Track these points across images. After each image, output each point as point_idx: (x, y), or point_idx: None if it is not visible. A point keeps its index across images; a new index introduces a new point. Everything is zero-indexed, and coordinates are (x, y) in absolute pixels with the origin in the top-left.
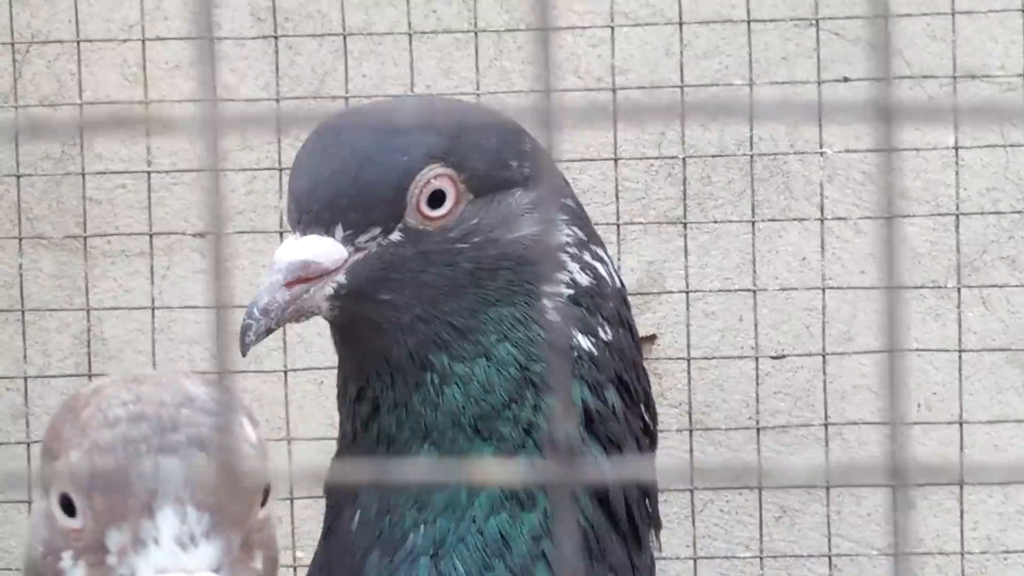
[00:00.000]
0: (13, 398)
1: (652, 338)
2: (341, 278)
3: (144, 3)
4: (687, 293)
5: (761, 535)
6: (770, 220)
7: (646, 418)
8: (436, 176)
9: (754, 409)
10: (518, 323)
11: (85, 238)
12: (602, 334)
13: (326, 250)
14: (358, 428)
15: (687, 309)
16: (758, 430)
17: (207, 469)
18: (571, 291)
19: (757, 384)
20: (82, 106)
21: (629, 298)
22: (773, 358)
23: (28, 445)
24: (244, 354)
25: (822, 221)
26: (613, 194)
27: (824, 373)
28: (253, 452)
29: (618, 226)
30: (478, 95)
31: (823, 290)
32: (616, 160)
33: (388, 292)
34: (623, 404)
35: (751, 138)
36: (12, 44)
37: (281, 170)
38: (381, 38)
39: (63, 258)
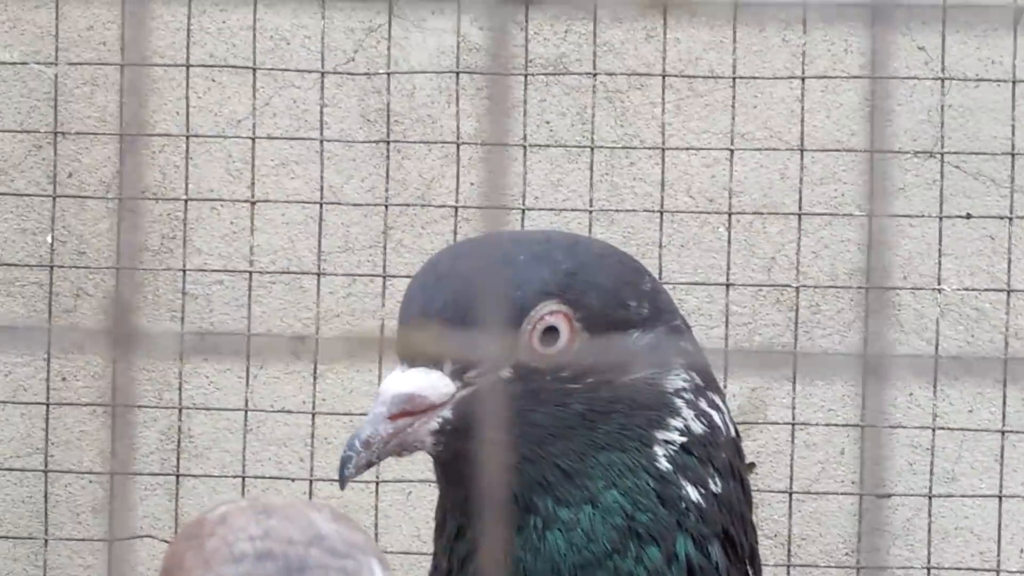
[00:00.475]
0: (95, 491)
1: (751, 466)
2: (447, 413)
3: (255, 100)
4: (792, 425)
5: None
6: (879, 354)
7: (750, 575)
8: (551, 313)
9: (852, 546)
10: (627, 470)
11: (182, 335)
12: (712, 486)
13: (433, 384)
14: (454, 566)
15: (791, 439)
16: (857, 569)
17: None
18: (684, 439)
19: (858, 520)
20: (187, 201)
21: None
22: (878, 496)
23: (107, 544)
24: (343, 487)
25: (936, 359)
26: (719, 317)
27: (928, 513)
28: None
29: (726, 352)
30: (590, 211)
31: (932, 429)
32: (728, 286)
33: (495, 430)
34: (727, 560)
35: (867, 268)
36: (120, 136)
37: (385, 277)
38: (491, 148)
39: (155, 352)
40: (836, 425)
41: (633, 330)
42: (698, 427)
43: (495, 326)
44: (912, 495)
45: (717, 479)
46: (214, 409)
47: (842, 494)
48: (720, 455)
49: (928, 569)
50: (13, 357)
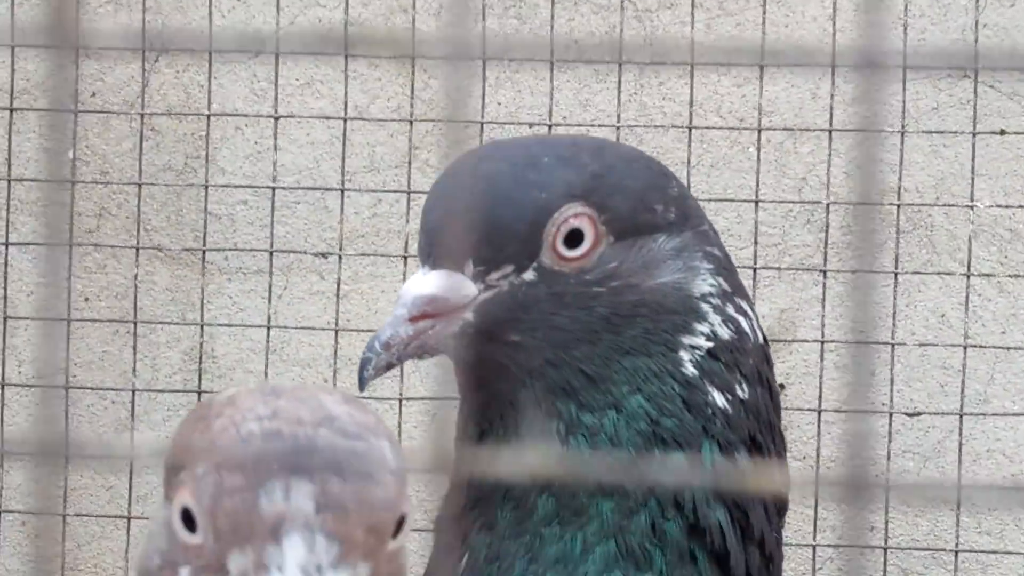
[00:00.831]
0: (118, 411)
1: (781, 387)
2: (469, 316)
3: (280, 18)
4: (821, 343)
5: None
6: (912, 273)
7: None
8: (575, 215)
9: (883, 467)
10: (652, 375)
11: (204, 251)
12: (739, 391)
13: (454, 286)
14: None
15: (820, 360)
16: (887, 489)
17: (341, 495)
18: (711, 344)
19: (888, 441)
20: (209, 117)
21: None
22: (908, 415)
23: (131, 464)
24: (362, 388)
25: (967, 276)
26: (749, 238)
27: (959, 434)
28: (391, 479)
29: (755, 270)
30: (617, 127)
31: (964, 348)
32: (757, 202)
33: (518, 333)
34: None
35: (899, 188)
36: (143, 51)
37: (409, 193)
38: (519, 65)
39: (179, 272)
40: (867, 342)
41: (659, 234)
42: (725, 332)
43: (518, 228)
44: (943, 414)
45: (744, 385)
46: (237, 326)
47: (873, 413)
48: (747, 361)
49: (959, 490)
50: (35, 277)
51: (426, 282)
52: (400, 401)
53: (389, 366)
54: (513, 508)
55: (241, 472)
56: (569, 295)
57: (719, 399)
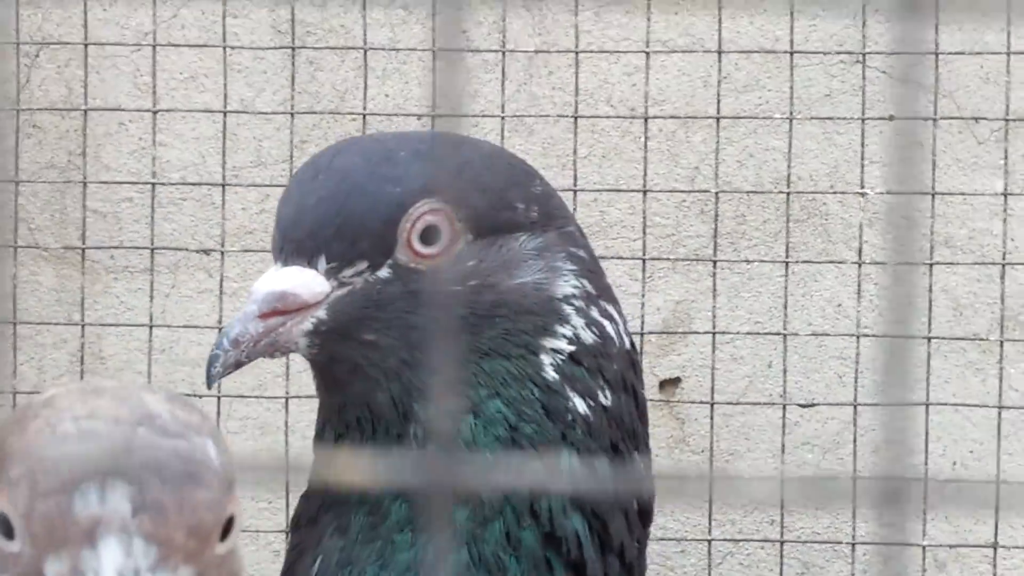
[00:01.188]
0: (2, 414)
1: (676, 381)
2: (322, 313)
3: (158, 10)
4: (714, 335)
5: None
6: (805, 262)
7: (641, 496)
8: (431, 211)
9: (780, 460)
10: (512, 379)
11: (83, 250)
12: (601, 398)
13: (306, 282)
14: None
15: (713, 352)
16: (782, 482)
17: (159, 497)
18: (572, 348)
19: (784, 433)
20: (86, 112)
21: (653, 338)
22: (802, 406)
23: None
24: (209, 386)
25: (859, 265)
26: (641, 228)
27: (855, 424)
28: (215, 480)
29: (644, 262)
30: (502, 118)
31: (857, 337)
32: (645, 192)
33: (372, 332)
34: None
35: (788, 176)
36: (17, 45)
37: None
38: (406, 56)
39: (64, 271)
40: (762, 335)
41: (521, 233)
42: (588, 336)
43: (372, 223)
44: (839, 404)
45: (607, 391)
46: (123, 325)
47: (768, 405)
48: (611, 367)
49: (855, 480)
50: None
51: (277, 278)
52: (287, 400)
53: (238, 364)
54: (367, 513)
55: (55, 474)
56: (425, 293)
57: (580, 405)
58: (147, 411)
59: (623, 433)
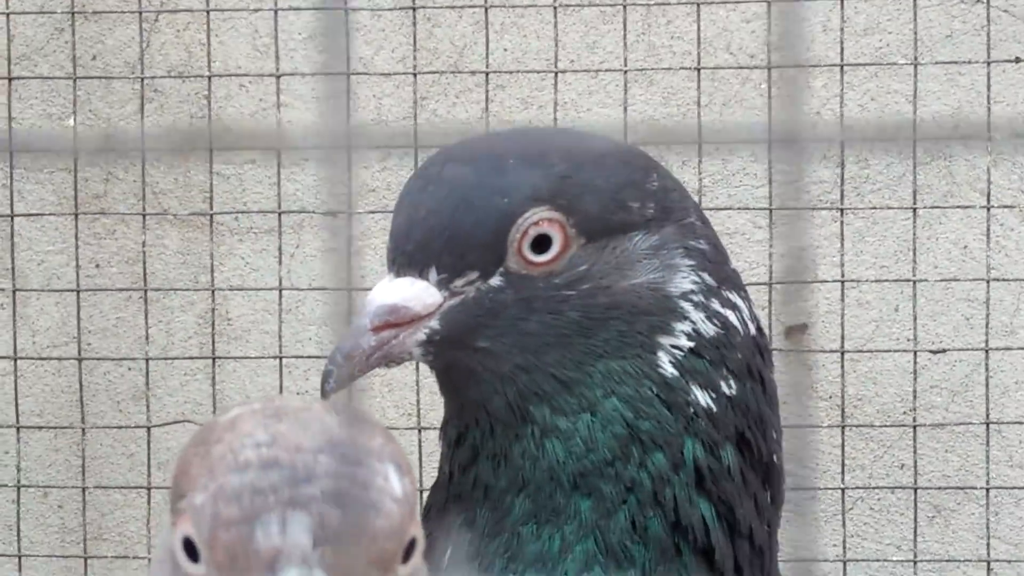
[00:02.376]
0: (135, 379)
1: (804, 327)
2: (435, 323)
3: None
4: (842, 282)
5: (915, 536)
6: (931, 207)
7: (772, 479)
8: (541, 220)
9: (910, 404)
10: (628, 377)
11: (212, 215)
12: (725, 388)
13: (417, 294)
14: (455, 471)
15: (841, 298)
16: (914, 427)
17: (340, 527)
18: (693, 343)
19: (914, 378)
20: (210, 78)
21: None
22: (932, 352)
23: (148, 429)
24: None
25: (988, 208)
26: (765, 176)
27: (986, 368)
28: (395, 507)
29: (770, 211)
30: (625, 71)
31: (987, 281)
32: (769, 142)
33: (486, 340)
34: (741, 462)
35: (914, 120)
36: (140, 13)
37: (417, 148)
38: (524, 10)
39: (189, 235)
40: (888, 281)
41: (635, 232)
42: (710, 329)
43: (481, 234)
44: (969, 349)
45: (732, 381)
46: (250, 289)
47: (897, 351)
48: (735, 356)
49: (987, 425)
50: (45, 246)
51: (389, 290)
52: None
53: (352, 378)
54: (491, 508)
55: (237, 505)
56: (538, 300)
57: (702, 398)
58: (328, 438)
59: (749, 420)
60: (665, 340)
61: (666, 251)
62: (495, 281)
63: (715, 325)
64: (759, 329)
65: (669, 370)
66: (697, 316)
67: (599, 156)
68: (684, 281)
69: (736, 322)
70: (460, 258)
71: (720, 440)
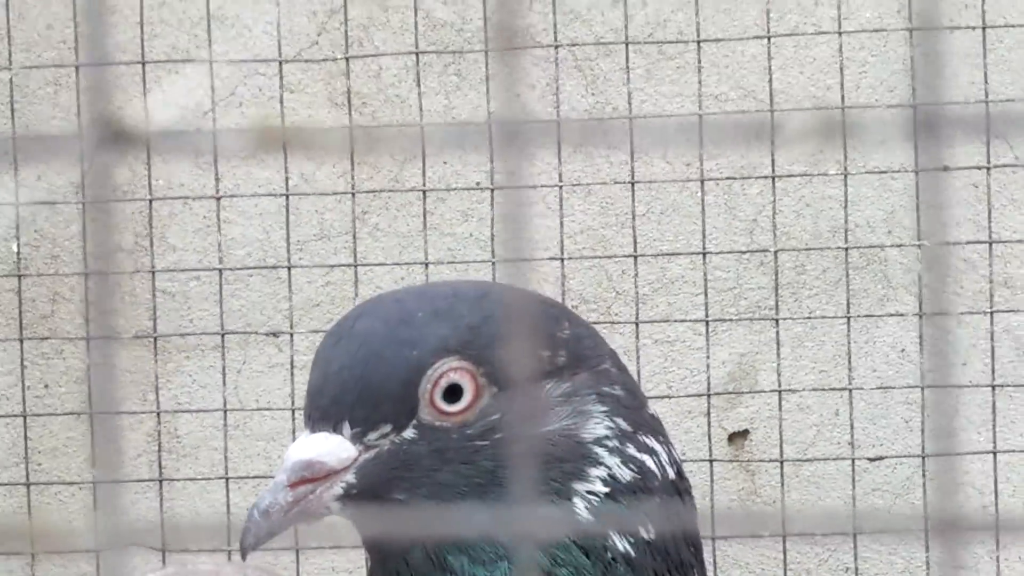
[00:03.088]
0: (86, 498)
1: (744, 434)
2: (350, 478)
3: (215, 88)
4: (779, 392)
5: None
6: (866, 316)
7: None
8: (451, 370)
9: (851, 507)
10: (544, 525)
11: (155, 338)
12: (643, 533)
13: (332, 449)
14: None
15: (779, 405)
16: (854, 536)
17: None
18: (608, 488)
19: (854, 484)
20: (151, 202)
21: (720, 392)
22: (871, 460)
23: (96, 554)
24: (244, 558)
25: (920, 316)
26: (703, 285)
27: (923, 471)
28: None
29: (707, 322)
30: (560, 186)
31: (922, 389)
32: (704, 253)
33: (402, 492)
34: None
35: (846, 227)
36: (80, 136)
37: (356, 266)
38: (462, 124)
39: (136, 353)
40: (827, 389)
41: (547, 380)
42: (626, 474)
43: (391, 387)
44: (908, 456)
45: (650, 526)
46: (195, 411)
47: (836, 459)
48: (654, 500)
49: (926, 531)
50: None
51: (305, 446)
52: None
53: (271, 534)
54: None
55: None
56: (451, 450)
57: (619, 543)
58: None
59: (670, 565)
60: (580, 486)
61: (579, 398)
62: (408, 433)
63: (631, 470)
64: (679, 473)
65: (585, 515)
66: (612, 461)
67: (509, 306)
68: (598, 427)
69: (654, 466)
70: (373, 411)
71: None
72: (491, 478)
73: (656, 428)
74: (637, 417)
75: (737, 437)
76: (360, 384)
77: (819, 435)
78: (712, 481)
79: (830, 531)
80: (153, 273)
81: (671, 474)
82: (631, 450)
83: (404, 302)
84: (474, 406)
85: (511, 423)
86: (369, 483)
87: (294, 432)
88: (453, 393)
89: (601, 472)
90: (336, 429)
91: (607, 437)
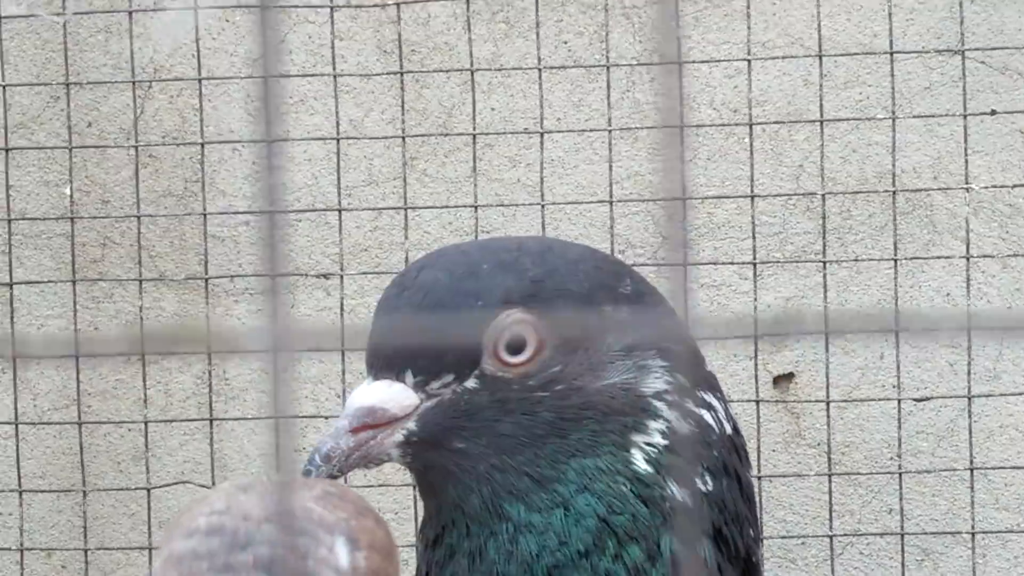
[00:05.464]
0: (135, 440)
1: (789, 376)
2: (412, 425)
3: (266, 38)
4: (825, 334)
5: None
6: (912, 258)
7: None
8: (515, 322)
9: (896, 450)
10: (601, 474)
11: (207, 280)
12: (700, 485)
13: (394, 396)
14: (432, 569)
15: (826, 348)
16: (900, 473)
17: None
18: (667, 441)
19: (899, 425)
20: (203, 145)
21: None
22: (916, 400)
23: (148, 490)
24: None
25: (967, 259)
26: (749, 230)
27: (969, 414)
28: None
29: (754, 266)
30: (609, 130)
31: (968, 331)
32: (752, 197)
33: (462, 441)
34: (719, 556)
35: (893, 172)
36: (133, 83)
37: (407, 209)
38: (510, 71)
39: (185, 296)
40: (873, 331)
41: (608, 335)
42: (684, 427)
43: (455, 338)
44: (953, 396)
45: (708, 478)
46: (245, 352)
47: (882, 400)
48: (711, 454)
49: (971, 470)
50: (44, 311)
51: (367, 393)
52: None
53: (331, 478)
54: None
55: (177, 568)
56: (513, 401)
57: (678, 493)
58: (282, 508)
59: (726, 517)
60: (639, 438)
61: (639, 353)
62: (471, 383)
63: (689, 424)
64: (735, 429)
65: (643, 467)
66: (671, 415)
67: (572, 261)
68: (657, 381)
69: (711, 421)
70: (436, 360)
71: (697, 535)
72: (551, 429)
73: (713, 384)
74: (696, 373)
75: (782, 380)
76: (424, 333)
77: (864, 378)
78: (758, 423)
79: (874, 471)
80: (205, 216)
81: (728, 429)
82: (690, 405)
83: (469, 254)
84: (536, 358)
85: (572, 376)
86: (430, 431)
87: (343, 375)
88: (516, 345)
89: (660, 425)
90: (399, 377)
91: (666, 391)
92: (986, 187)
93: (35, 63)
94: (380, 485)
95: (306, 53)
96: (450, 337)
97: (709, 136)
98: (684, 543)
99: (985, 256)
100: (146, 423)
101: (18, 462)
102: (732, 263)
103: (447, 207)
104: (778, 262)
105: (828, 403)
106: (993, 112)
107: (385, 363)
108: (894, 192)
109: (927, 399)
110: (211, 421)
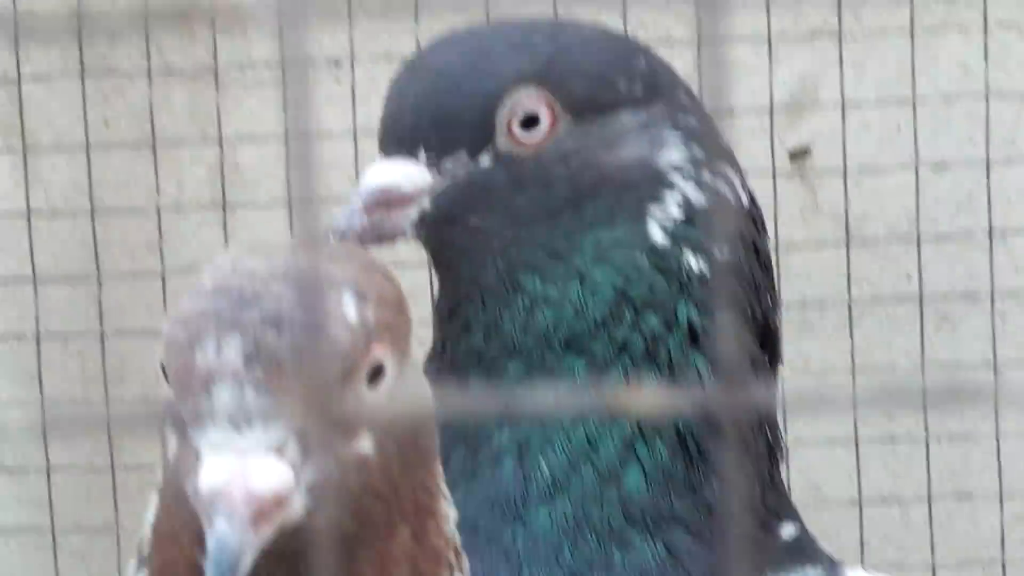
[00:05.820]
0: (150, 229)
1: (806, 152)
2: (426, 203)
3: None
4: (842, 107)
5: (922, 345)
6: (928, 28)
7: (769, 342)
8: (528, 98)
9: (913, 218)
10: (617, 245)
11: (216, 70)
12: (718, 254)
13: (407, 174)
14: (448, 341)
15: (843, 121)
16: (918, 243)
17: (275, 348)
18: (682, 212)
19: (917, 194)
20: None
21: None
22: (934, 168)
23: (163, 279)
24: None
25: (985, 29)
26: (763, 4)
27: (988, 181)
28: (344, 332)
29: (769, 40)
30: None
31: (986, 98)
32: None
33: (477, 218)
34: (736, 324)
35: None
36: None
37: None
38: None
39: (195, 88)
40: (890, 102)
41: (623, 110)
42: (700, 198)
43: (468, 114)
44: (970, 165)
45: (724, 247)
46: (258, 138)
47: (898, 168)
48: (728, 226)
49: (991, 235)
50: (53, 106)
51: (380, 172)
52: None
53: None
54: (484, 373)
55: (184, 327)
56: (527, 178)
57: (695, 263)
58: (289, 267)
59: (744, 284)
60: (655, 210)
61: (654, 127)
62: (484, 161)
63: (706, 195)
64: (752, 200)
65: (660, 237)
66: (687, 186)
67: (586, 38)
68: (673, 153)
69: (728, 194)
70: (449, 139)
71: (715, 304)
72: (566, 204)
73: (730, 157)
74: (712, 145)
75: (798, 156)
76: (437, 110)
77: (881, 150)
78: (775, 196)
79: (892, 240)
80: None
81: (744, 200)
82: (706, 176)
83: (479, 35)
84: (550, 134)
85: (587, 151)
86: (445, 209)
87: (357, 157)
88: (530, 121)
89: (676, 196)
90: (412, 155)
91: (682, 164)
92: None
93: None
94: (394, 262)
95: None
96: (463, 114)
97: None
98: (701, 311)
99: (1002, 26)
100: (159, 211)
101: (32, 253)
102: (741, 36)
103: None
104: (793, 36)
105: (845, 174)
106: None
107: (397, 141)
108: None
109: (945, 168)
110: (223, 207)
